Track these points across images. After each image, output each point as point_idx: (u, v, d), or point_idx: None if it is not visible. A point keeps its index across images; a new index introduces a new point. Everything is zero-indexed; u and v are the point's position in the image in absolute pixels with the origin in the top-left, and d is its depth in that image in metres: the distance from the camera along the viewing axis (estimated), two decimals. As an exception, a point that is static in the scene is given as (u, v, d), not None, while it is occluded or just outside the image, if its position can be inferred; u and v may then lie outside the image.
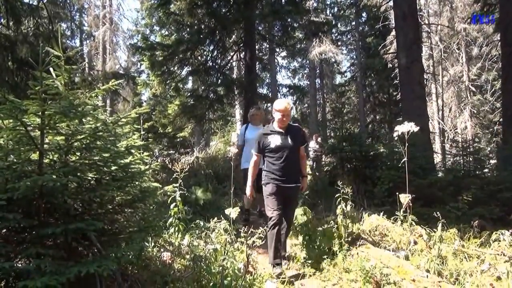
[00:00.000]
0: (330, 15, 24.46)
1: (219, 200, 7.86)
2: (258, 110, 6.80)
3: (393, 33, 14.23)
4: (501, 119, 12.03)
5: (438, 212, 4.50)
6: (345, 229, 5.10)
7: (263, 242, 4.09)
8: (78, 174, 2.67)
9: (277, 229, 4.20)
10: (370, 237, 5.15)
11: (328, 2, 25.45)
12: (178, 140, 22.10)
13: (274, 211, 4.22)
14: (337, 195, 5.35)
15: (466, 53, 20.40)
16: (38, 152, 2.58)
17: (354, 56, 28.06)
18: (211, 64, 13.36)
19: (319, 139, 14.39)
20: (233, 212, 4.76)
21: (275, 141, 4.29)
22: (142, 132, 5.22)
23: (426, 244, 4.56)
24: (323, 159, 13.41)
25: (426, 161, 7.79)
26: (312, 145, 13.83)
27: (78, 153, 2.87)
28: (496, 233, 4.75)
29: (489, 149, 16.07)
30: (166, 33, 15.13)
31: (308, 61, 24.09)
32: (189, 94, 14.45)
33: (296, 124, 4.52)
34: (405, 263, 4.18)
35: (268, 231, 4.22)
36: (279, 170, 4.26)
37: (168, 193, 4.77)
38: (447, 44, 20.54)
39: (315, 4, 19.98)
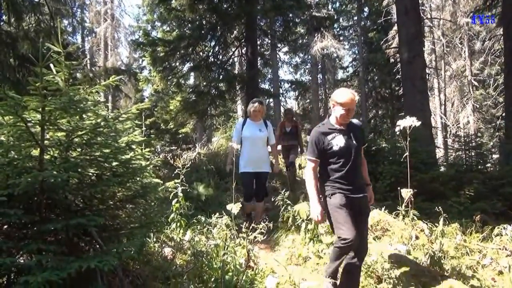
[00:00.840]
0: (332, 10, 24.33)
1: (221, 195, 7.87)
2: (261, 105, 5.89)
3: (395, 27, 14.18)
4: (503, 114, 11.99)
5: (440, 207, 4.50)
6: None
7: (264, 237, 4.10)
8: (79, 170, 2.67)
9: (348, 257, 3.36)
10: (372, 232, 5.15)
11: (330, -3, 25.34)
12: (180, 136, 22.12)
13: (349, 229, 3.22)
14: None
15: (468, 48, 20.31)
16: (38, 148, 2.58)
17: (356, 51, 27.97)
18: (212, 59, 13.35)
19: None
20: (234, 207, 4.76)
21: (338, 141, 3.40)
22: (144, 128, 5.23)
23: (427, 238, 4.57)
24: None
25: (428, 155, 7.78)
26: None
27: (79, 149, 2.88)
28: (498, 228, 4.76)
29: (491, 143, 16.03)
30: (168, 29, 15.14)
31: (310, 57, 24.00)
32: (190, 90, 14.42)
33: (356, 120, 3.71)
34: (406, 257, 4.19)
35: (337, 254, 3.38)
36: (344, 178, 3.39)
37: (170, 189, 4.78)
38: (450, 39, 20.46)
39: (316, -1, 19.89)
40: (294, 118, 9.49)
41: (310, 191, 3.42)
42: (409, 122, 4.71)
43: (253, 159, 5.73)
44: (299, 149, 9.10)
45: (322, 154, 3.42)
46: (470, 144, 8.57)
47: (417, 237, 4.66)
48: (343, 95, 3.37)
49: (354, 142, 3.44)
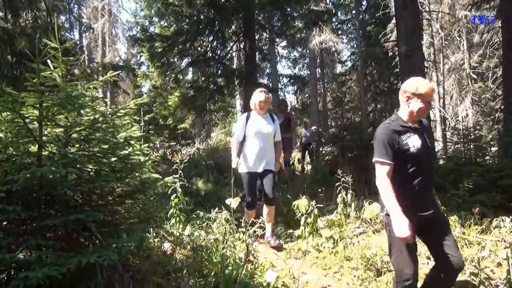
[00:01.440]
0: (330, 3, 24.24)
1: (220, 190, 7.88)
2: (268, 95, 5.14)
3: (394, 21, 14.13)
4: (502, 106, 11.99)
5: (438, 200, 4.51)
6: (345, 217, 5.12)
7: (264, 231, 4.11)
8: (78, 165, 2.67)
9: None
10: (371, 225, 5.17)
11: (328, -9, 25.26)
12: (179, 131, 22.13)
13: (409, 266, 2.65)
14: (337, 184, 5.38)
15: (467, 40, 20.26)
16: (37, 144, 2.58)
17: (355, 45, 27.90)
18: (210, 54, 13.32)
19: (313, 128, 14.29)
20: (233, 202, 4.77)
21: (414, 142, 2.73)
22: (142, 124, 5.23)
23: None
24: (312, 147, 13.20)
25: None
26: (303, 133, 13.72)
27: (77, 145, 2.88)
28: (496, 220, 4.77)
29: (490, 136, 16.06)
30: (165, 24, 15.07)
31: (308, 51, 23.93)
32: (189, 85, 14.43)
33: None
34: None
35: None
36: (419, 188, 2.71)
37: (169, 184, 4.78)
38: (448, 32, 20.39)
39: (314, -7, 19.81)
40: (289, 110, 9.43)
41: (390, 202, 2.62)
42: (407, 115, 4.72)
43: (260, 158, 5.04)
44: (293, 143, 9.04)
45: (396, 157, 2.71)
46: (469, 137, 8.57)
47: (416, 230, 4.68)
48: (423, 85, 2.76)
49: (428, 143, 2.85)
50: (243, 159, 5.13)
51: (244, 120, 5.18)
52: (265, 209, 5.07)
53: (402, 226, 2.52)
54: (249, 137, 5.07)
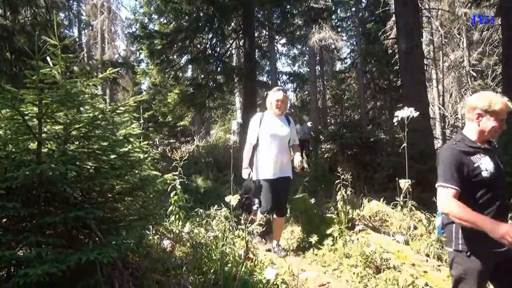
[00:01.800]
0: (330, 1, 24.20)
1: (220, 188, 7.89)
2: (286, 93, 4.79)
3: (394, 18, 14.12)
4: (501, 104, 11.98)
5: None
6: (345, 215, 5.13)
7: (264, 229, 4.11)
8: (77, 163, 2.66)
9: None
10: (370, 222, 5.19)
11: (328, -12, 25.21)
12: (179, 129, 22.13)
13: None
14: (337, 181, 5.38)
15: (467, 38, 20.24)
16: (36, 142, 2.58)
17: (354, 42, 27.86)
18: (210, 52, 13.35)
19: (309, 123, 14.24)
20: (233, 199, 4.76)
21: (486, 165, 2.34)
22: (141, 121, 5.22)
23: (425, 229, 4.59)
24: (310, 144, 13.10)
25: (426, 146, 7.79)
26: (299, 129, 13.64)
27: (77, 142, 2.87)
28: (495, 217, 4.77)
29: (489, 134, 16.07)
30: (165, 21, 15.07)
31: (308, 48, 23.88)
32: (188, 82, 14.45)
33: None
34: (405, 247, 4.22)
35: None
36: (494, 219, 2.19)
37: (168, 181, 4.77)
38: (448, 29, 20.37)
39: (314, -10, 19.78)
40: (288, 108, 9.41)
41: (475, 218, 2.14)
42: (407, 112, 4.74)
43: (275, 163, 4.60)
44: None
45: (464, 183, 2.28)
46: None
47: (415, 227, 4.69)
48: (497, 101, 2.38)
49: (502, 167, 2.48)
50: (256, 165, 4.69)
51: (258, 121, 4.72)
52: (276, 219, 4.78)
53: (502, 229, 2.05)
54: (264, 140, 4.65)
